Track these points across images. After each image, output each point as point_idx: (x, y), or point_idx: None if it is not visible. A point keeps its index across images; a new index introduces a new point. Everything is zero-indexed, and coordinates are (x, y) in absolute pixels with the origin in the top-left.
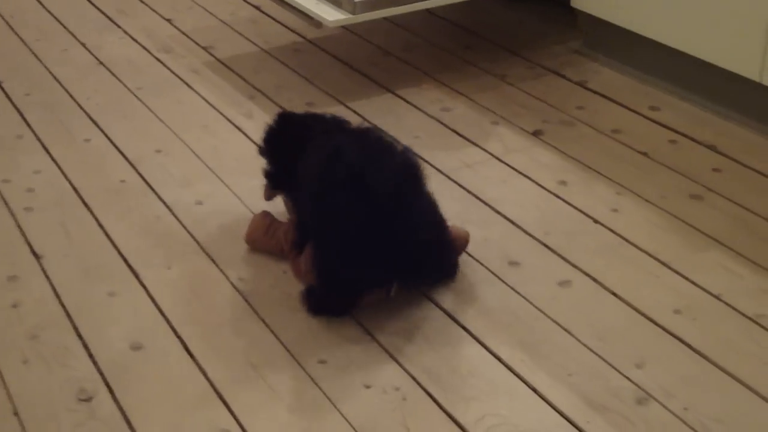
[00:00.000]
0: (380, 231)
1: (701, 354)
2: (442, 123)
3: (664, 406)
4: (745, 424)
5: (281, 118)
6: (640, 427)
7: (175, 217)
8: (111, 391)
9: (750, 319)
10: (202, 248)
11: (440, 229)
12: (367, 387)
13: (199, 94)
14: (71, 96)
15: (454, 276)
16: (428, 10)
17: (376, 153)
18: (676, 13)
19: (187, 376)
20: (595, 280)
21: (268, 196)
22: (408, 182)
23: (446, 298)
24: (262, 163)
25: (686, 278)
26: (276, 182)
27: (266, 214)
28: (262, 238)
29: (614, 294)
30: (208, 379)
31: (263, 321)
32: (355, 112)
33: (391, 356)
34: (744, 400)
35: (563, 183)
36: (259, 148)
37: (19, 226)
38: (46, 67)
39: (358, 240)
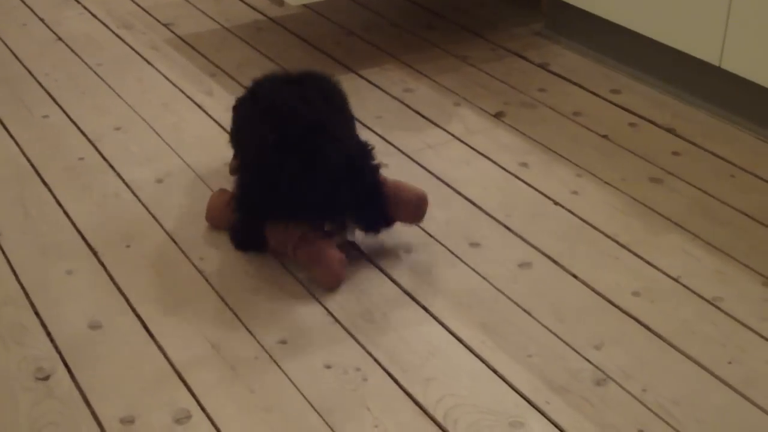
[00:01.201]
0: (303, 158)
1: (659, 336)
2: (404, 104)
3: (623, 387)
4: (702, 405)
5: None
6: (599, 408)
7: (135, 195)
8: (69, 370)
9: (707, 301)
10: (161, 226)
11: (365, 159)
12: (328, 367)
13: (159, 72)
14: (29, 72)
15: (387, 227)
16: None
17: (299, 83)
18: None
19: (145, 355)
20: (555, 261)
21: (234, 170)
22: (331, 106)
23: (407, 278)
24: (225, 143)
25: (645, 261)
26: None
27: (224, 191)
28: (222, 215)
29: (574, 276)
30: (167, 358)
31: (223, 300)
32: None
33: (352, 336)
34: (701, 381)
35: (524, 165)
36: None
37: None
38: (4, 42)
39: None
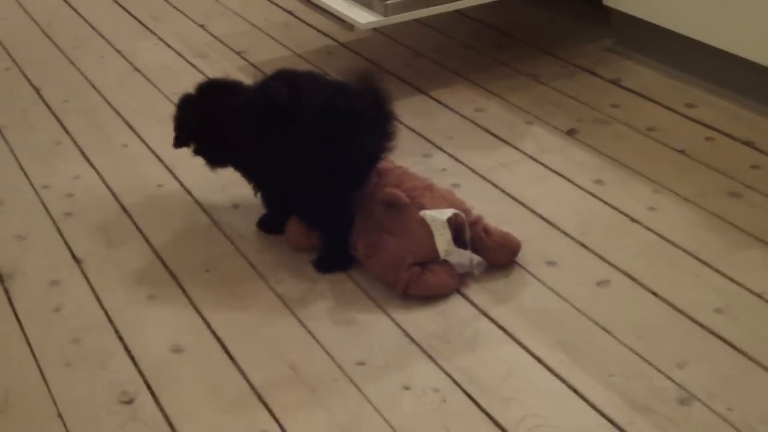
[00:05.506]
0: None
1: (744, 353)
2: (475, 123)
3: (708, 407)
4: None
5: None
6: (684, 428)
7: (212, 220)
8: (152, 393)
9: None
10: (239, 251)
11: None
12: (407, 388)
13: None
14: (108, 102)
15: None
16: (459, 11)
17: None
18: (710, 9)
19: (227, 377)
20: (633, 279)
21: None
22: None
23: (483, 298)
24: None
25: (727, 277)
26: (213, 159)
27: None
28: (305, 240)
29: (653, 293)
30: (247, 380)
31: (301, 323)
32: None
33: (430, 357)
34: None
35: (599, 182)
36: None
37: (59, 231)
38: (83, 74)
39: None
